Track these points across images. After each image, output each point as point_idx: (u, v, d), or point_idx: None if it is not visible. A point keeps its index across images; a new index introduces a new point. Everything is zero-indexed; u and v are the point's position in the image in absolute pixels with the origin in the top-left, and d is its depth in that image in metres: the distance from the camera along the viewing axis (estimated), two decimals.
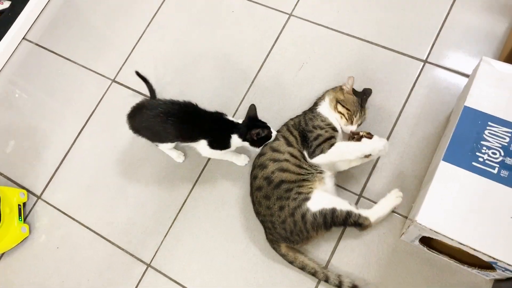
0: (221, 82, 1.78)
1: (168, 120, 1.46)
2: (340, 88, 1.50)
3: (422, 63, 1.63)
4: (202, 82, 1.79)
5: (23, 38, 2.07)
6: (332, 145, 1.39)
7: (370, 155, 1.39)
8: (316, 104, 1.52)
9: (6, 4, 2.07)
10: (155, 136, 1.55)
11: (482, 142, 1.23)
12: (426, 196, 1.20)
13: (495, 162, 1.20)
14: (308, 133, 1.43)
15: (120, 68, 1.91)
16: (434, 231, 1.15)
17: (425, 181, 1.40)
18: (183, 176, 1.66)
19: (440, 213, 1.17)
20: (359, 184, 1.52)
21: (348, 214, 1.35)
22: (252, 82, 1.75)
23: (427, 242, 1.34)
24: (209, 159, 1.65)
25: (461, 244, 1.13)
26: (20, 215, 1.68)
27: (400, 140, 1.55)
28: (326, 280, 1.37)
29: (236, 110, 1.72)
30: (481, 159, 1.21)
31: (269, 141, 1.47)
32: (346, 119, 1.44)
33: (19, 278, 1.65)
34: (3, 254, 1.69)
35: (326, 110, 1.48)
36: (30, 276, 1.64)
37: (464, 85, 1.50)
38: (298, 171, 1.39)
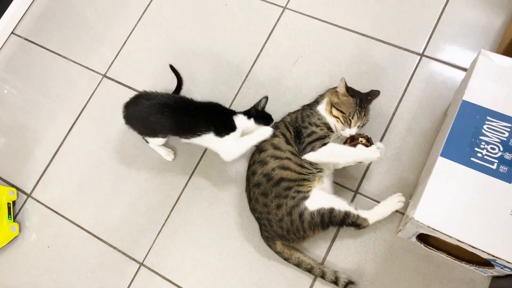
0: (215, 77, 1.75)
1: (164, 111, 1.42)
2: (335, 91, 1.44)
3: (419, 57, 1.61)
4: (195, 76, 1.76)
5: (12, 32, 2.03)
6: (324, 144, 1.36)
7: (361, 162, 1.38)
8: (317, 101, 1.47)
9: None
10: (148, 128, 1.51)
11: (480, 137, 1.20)
12: (423, 193, 1.17)
13: (494, 158, 1.17)
14: (303, 129, 1.40)
15: (111, 63, 1.87)
16: (432, 229, 1.13)
17: (423, 177, 1.38)
18: (176, 173, 1.63)
19: (438, 210, 1.15)
20: (355, 181, 1.50)
21: (346, 214, 1.33)
22: (246, 76, 1.72)
23: (424, 238, 1.32)
24: (202, 155, 1.63)
25: (460, 241, 1.11)
26: (9, 213, 1.66)
27: (396, 135, 1.52)
28: (322, 276, 1.36)
29: (230, 105, 1.69)
30: (479, 155, 1.18)
31: (269, 137, 1.43)
32: (342, 122, 1.38)
33: (9, 278, 1.62)
34: None
35: (324, 111, 1.44)
36: (21, 276, 1.62)
37: (462, 79, 1.48)
38: (299, 170, 1.36)
